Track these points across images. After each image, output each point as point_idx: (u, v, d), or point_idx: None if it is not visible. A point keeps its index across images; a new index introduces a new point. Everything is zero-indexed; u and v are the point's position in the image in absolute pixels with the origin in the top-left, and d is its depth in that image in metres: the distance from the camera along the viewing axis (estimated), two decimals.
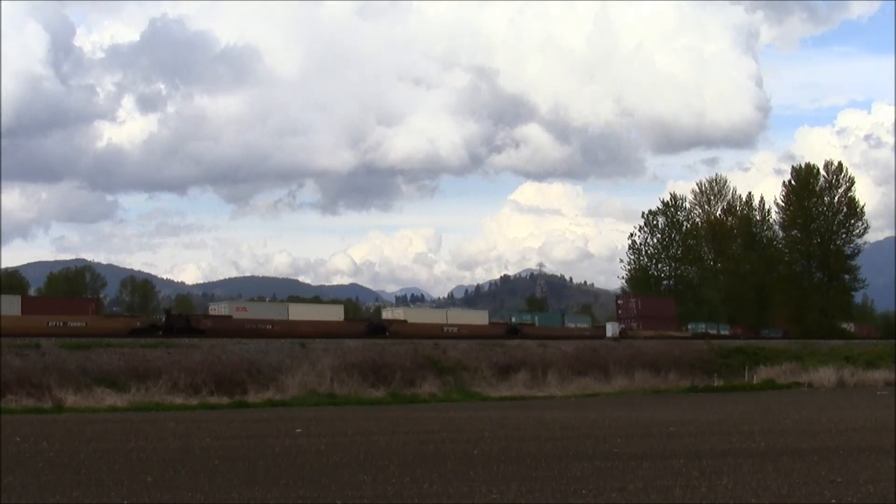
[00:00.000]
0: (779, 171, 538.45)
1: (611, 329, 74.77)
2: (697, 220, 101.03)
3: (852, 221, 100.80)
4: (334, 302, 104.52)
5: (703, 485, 14.59)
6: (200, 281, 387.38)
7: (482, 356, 54.81)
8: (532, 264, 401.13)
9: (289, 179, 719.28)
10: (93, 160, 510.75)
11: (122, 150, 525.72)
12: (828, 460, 17.80)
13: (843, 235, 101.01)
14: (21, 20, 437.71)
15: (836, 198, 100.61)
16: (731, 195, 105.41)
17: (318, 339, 52.42)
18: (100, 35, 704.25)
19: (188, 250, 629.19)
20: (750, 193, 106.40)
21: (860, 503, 13.12)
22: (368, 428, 26.73)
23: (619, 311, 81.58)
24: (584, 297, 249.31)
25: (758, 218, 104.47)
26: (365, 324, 68.20)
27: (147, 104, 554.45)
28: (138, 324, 56.20)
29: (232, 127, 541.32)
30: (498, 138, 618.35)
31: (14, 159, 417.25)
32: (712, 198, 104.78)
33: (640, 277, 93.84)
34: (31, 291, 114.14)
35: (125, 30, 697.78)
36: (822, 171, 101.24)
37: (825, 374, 61.18)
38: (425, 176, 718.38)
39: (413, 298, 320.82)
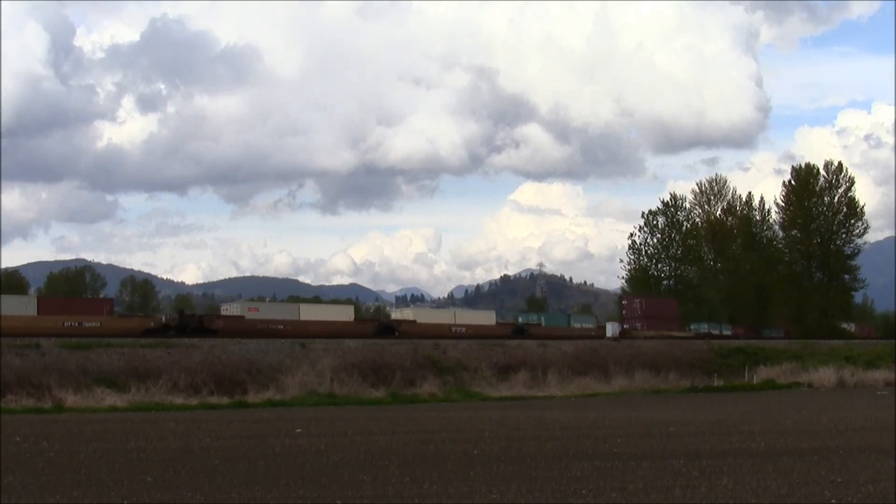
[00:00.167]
0: (779, 171, 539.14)
1: (611, 329, 74.84)
2: (697, 220, 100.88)
3: (852, 221, 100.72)
4: (334, 302, 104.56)
5: (703, 485, 14.59)
6: (200, 281, 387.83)
7: (482, 356, 54.81)
8: (532, 264, 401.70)
9: (289, 179, 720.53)
10: (93, 160, 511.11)
11: (122, 150, 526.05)
12: (828, 460, 17.80)
13: (843, 235, 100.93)
14: (21, 20, 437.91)
15: (836, 198, 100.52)
16: (731, 195, 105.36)
17: (329, 339, 52.59)
18: (100, 35, 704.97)
19: (188, 250, 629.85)
20: (750, 193, 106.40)
21: (860, 503, 13.12)
22: (368, 428, 26.72)
23: (623, 312, 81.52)
24: (584, 297, 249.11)
25: (758, 218, 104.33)
26: (375, 324, 68.59)
27: (147, 104, 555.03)
28: (152, 324, 56.97)
29: (232, 127, 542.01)
30: (498, 138, 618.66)
31: (14, 159, 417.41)
32: (712, 198, 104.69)
33: (640, 277, 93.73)
34: (31, 291, 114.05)
35: (125, 30, 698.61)
36: (822, 171, 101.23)
37: (825, 374, 61.17)
38: (425, 176, 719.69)
39: (413, 298, 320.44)
